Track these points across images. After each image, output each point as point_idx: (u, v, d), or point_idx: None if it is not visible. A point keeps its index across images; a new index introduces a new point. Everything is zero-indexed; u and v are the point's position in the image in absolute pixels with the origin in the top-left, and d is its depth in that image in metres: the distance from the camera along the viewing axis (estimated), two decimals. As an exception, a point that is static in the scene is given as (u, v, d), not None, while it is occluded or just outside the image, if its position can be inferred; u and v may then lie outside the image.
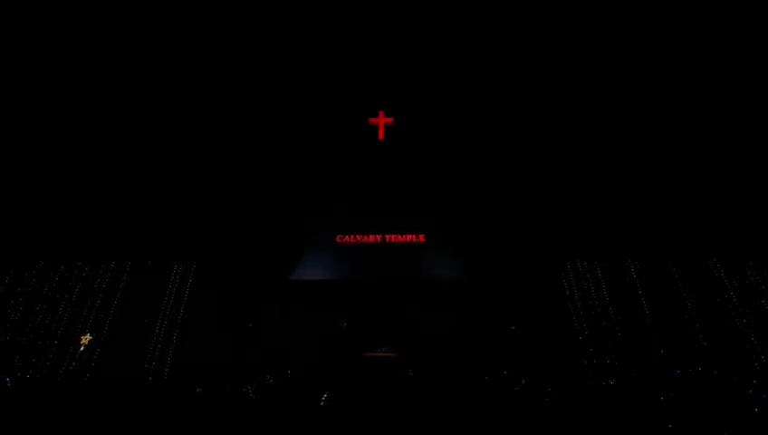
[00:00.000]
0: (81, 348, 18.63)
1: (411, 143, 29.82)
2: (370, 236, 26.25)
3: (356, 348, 24.21)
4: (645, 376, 18.52)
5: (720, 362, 23.34)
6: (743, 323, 24.94)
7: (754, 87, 24.54)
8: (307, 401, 18.45)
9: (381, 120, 30.70)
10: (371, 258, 25.40)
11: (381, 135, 30.09)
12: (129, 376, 22.93)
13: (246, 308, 23.99)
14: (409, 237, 26.15)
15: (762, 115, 25.28)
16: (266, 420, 14.53)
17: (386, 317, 24.49)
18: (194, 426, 13.20)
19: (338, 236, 26.25)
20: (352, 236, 26.24)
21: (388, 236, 26.19)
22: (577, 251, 26.21)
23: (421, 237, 26.11)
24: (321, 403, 18.60)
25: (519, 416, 15.90)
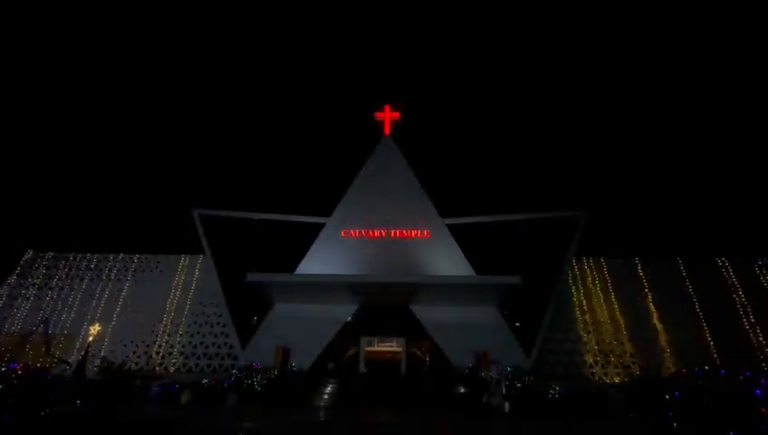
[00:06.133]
0: (90, 338, 18.92)
1: (418, 138, 29.61)
2: (376, 230, 26.22)
3: (359, 341, 24.32)
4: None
5: (728, 361, 23.13)
6: (750, 323, 24.66)
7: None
8: (310, 394, 18.61)
9: (387, 115, 30.54)
10: (377, 253, 25.37)
11: (387, 130, 29.96)
12: (137, 366, 23.37)
13: (252, 301, 24.16)
14: (415, 232, 26.08)
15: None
16: (270, 411, 14.69)
17: (390, 311, 24.52)
18: (199, 418, 13.38)
19: (343, 231, 26.26)
20: (358, 231, 26.24)
21: (393, 231, 26.14)
22: (582, 249, 26.01)
23: (426, 233, 26.02)
24: (325, 396, 18.77)
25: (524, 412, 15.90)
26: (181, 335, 25.21)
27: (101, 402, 15.92)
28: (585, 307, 25.65)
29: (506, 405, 16.23)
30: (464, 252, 25.29)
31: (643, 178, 58.63)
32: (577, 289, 26.27)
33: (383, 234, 26.25)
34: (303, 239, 26.31)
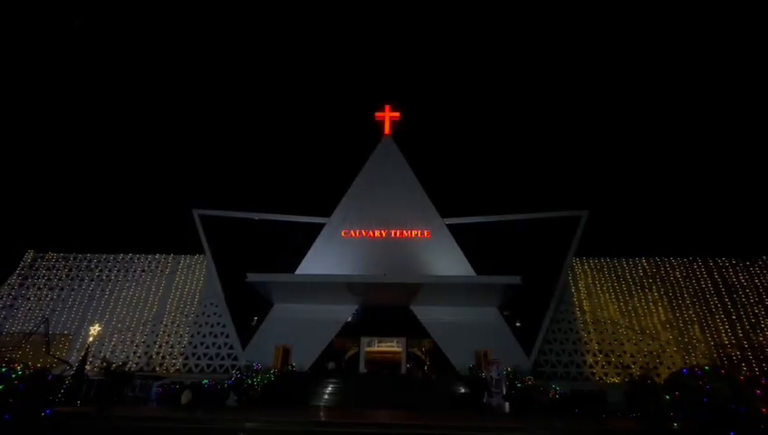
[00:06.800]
0: (91, 338, 18.93)
1: (418, 138, 29.64)
2: (376, 230, 26.23)
3: (359, 341, 24.30)
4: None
5: (728, 361, 23.15)
6: (750, 322, 24.68)
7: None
8: (310, 394, 18.64)
9: (387, 115, 30.56)
10: (377, 253, 25.36)
11: (387, 130, 29.97)
12: (137, 367, 23.39)
13: (252, 301, 24.16)
14: (415, 232, 26.09)
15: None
16: (270, 411, 14.70)
17: (390, 311, 24.51)
18: (199, 418, 13.38)
19: (343, 231, 26.27)
20: (358, 231, 26.24)
21: (393, 231, 26.15)
22: (582, 248, 26.04)
23: (426, 233, 26.02)
24: (325, 396, 18.78)
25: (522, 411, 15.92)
26: (181, 336, 25.23)
27: (102, 403, 15.95)
28: (585, 307, 25.66)
29: (506, 405, 16.26)
30: (464, 252, 25.30)
31: (643, 177, 58.63)
32: (577, 289, 26.28)
33: (383, 234, 26.26)
34: (303, 239, 26.33)
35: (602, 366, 23.66)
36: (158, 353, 24.59)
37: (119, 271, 27.82)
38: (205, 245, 25.94)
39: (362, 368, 23.51)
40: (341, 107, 77.64)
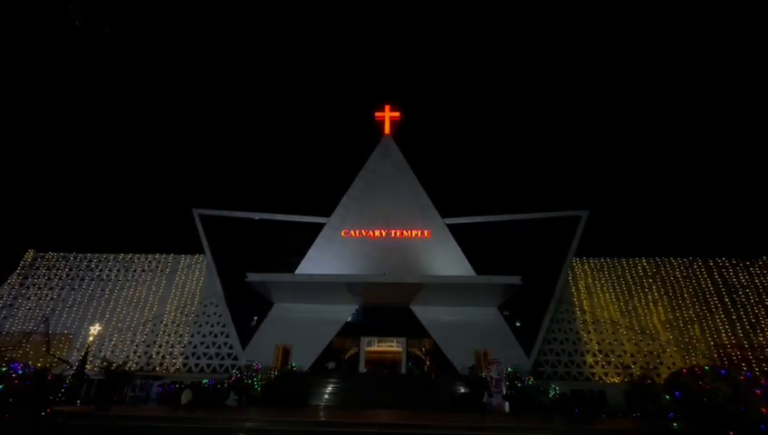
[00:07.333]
0: (91, 338, 18.94)
1: (418, 138, 29.67)
2: (376, 230, 26.23)
3: (359, 341, 24.29)
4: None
5: (728, 361, 23.13)
6: (750, 322, 24.66)
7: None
8: (310, 394, 18.64)
9: (387, 115, 30.57)
10: (377, 253, 25.36)
11: (387, 129, 29.98)
12: (137, 366, 23.38)
13: (252, 301, 24.16)
14: (415, 232, 26.09)
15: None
16: (270, 411, 14.69)
17: (390, 311, 24.51)
18: (199, 418, 13.37)
19: (343, 231, 26.27)
20: (358, 231, 26.24)
21: (393, 231, 26.15)
22: (582, 248, 26.03)
23: (426, 233, 26.02)
24: (325, 395, 18.79)
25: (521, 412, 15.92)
26: (181, 335, 25.23)
27: (102, 402, 15.95)
28: (585, 307, 25.65)
29: (506, 405, 16.26)
30: (464, 252, 25.30)
31: (643, 177, 58.62)
32: (577, 289, 26.27)
33: (383, 234, 26.27)
34: (303, 239, 26.33)
35: (602, 366, 23.65)
36: (158, 353, 24.59)
37: (119, 271, 27.81)
38: (205, 244, 25.95)
39: (362, 368, 23.51)
40: (341, 107, 77.63)
